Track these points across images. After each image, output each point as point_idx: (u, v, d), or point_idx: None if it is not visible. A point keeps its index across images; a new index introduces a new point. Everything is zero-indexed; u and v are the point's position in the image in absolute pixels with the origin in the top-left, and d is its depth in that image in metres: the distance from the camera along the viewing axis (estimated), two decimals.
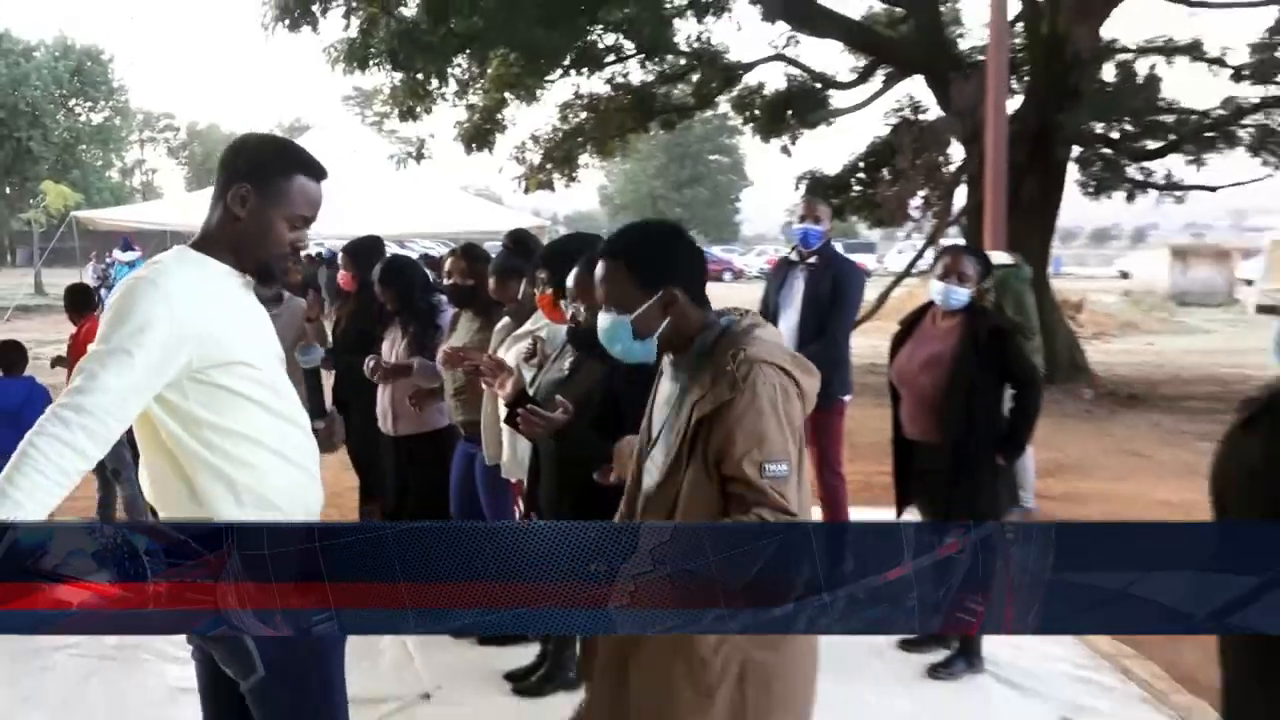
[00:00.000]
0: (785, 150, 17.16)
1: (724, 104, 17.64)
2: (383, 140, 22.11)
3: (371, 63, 13.22)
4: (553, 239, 3.68)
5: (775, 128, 17.01)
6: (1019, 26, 13.68)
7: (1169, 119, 14.83)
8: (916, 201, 14.91)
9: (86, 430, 1.93)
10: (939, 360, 4.09)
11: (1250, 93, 14.56)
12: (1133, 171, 15.43)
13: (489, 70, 14.27)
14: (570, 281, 2.93)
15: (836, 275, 5.07)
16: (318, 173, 2.21)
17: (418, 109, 14.44)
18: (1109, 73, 14.60)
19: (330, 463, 5.11)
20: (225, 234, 2.16)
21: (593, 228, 30.83)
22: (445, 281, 4.63)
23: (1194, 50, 15.23)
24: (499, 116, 15.19)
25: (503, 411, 3.45)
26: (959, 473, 3.97)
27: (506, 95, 14.77)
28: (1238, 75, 14.99)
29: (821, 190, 14.61)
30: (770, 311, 5.12)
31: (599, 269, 2.26)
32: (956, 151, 14.22)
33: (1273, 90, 14.68)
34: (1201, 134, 14.45)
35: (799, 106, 16.77)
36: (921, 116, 16.30)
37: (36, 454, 1.90)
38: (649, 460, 2.29)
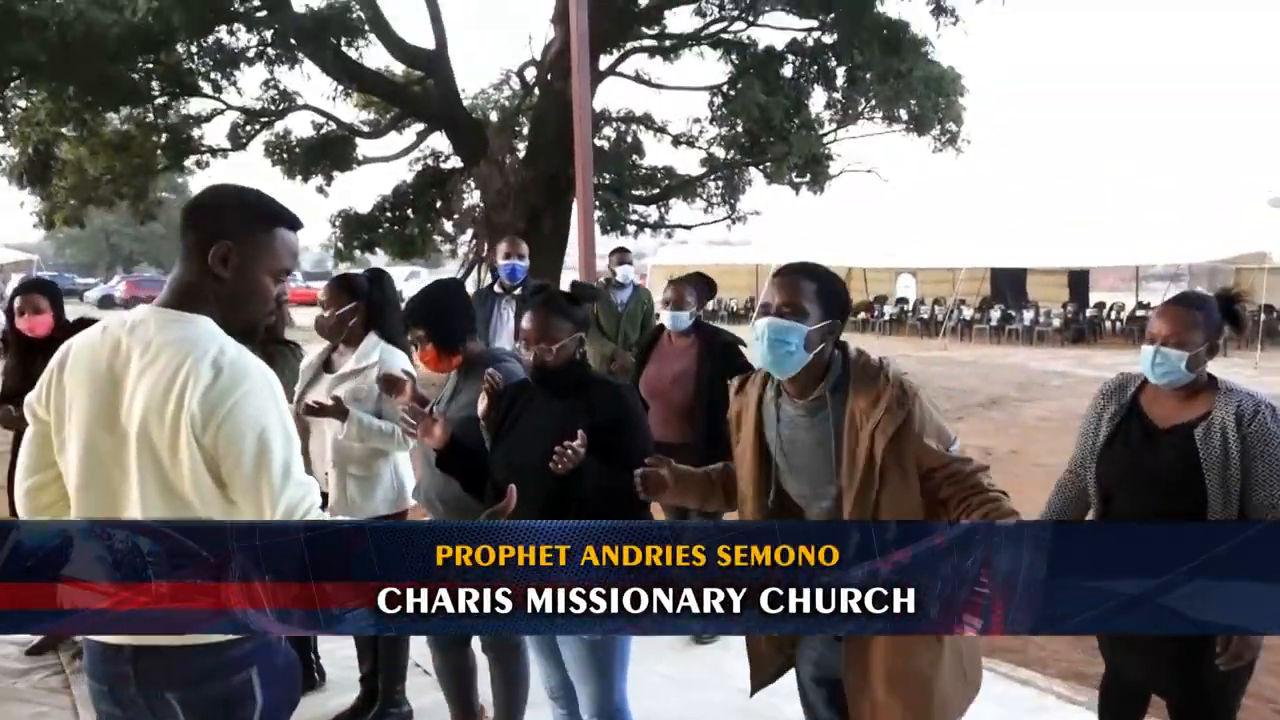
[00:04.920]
0: (321, 190, 16.94)
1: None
2: None
3: None
4: (414, 295, 3.42)
5: (309, 170, 16.75)
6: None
7: (649, 173, 16.97)
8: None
9: None
10: (687, 374, 4.53)
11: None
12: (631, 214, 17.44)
13: (44, 103, 12.35)
14: (528, 324, 2.78)
15: None
16: (294, 223, 1.93)
17: None
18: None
19: None
20: (208, 293, 1.84)
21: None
22: None
23: (646, 121, 17.56)
24: (56, 151, 13.23)
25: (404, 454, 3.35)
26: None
27: (64, 130, 12.92)
28: (676, 142, 17.48)
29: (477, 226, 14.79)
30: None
31: (787, 279, 2.27)
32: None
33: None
34: (673, 188, 16.72)
35: (332, 153, 16.69)
36: (443, 164, 17.20)
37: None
38: (807, 497, 2.35)
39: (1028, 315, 23.06)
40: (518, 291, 5.48)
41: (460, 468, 2.97)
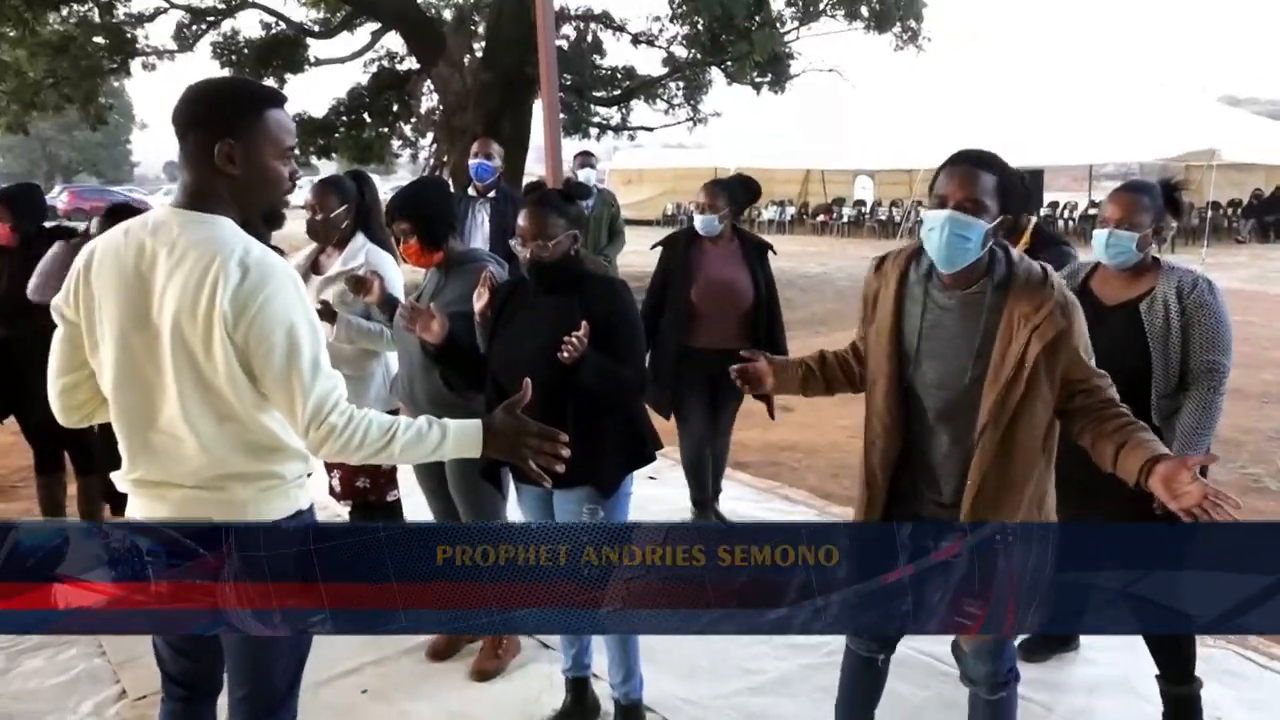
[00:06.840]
0: None
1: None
2: None
3: None
4: (399, 190, 3.39)
5: (260, 73, 16.23)
6: None
7: (610, 74, 16.65)
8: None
9: None
10: (742, 280, 4.43)
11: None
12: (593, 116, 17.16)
13: None
14: (525, 221, 2.76)
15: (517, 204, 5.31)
16: (281, 99, 1.93)
17: None
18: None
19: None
20: (223, 192, 1.84)
21: None
22: None
23: (606, 20, 17.15)
24: None
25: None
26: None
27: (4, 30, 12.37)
28: (636, 41, 17.13)
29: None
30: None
31: (967, 171, 2.14)
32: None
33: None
34: (634, 89, 16.44)
35: (283, 54, 16.19)
36: (399, 66, 16.76)
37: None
38: (933, 387, 2.27)
39: None
40: (491, 194, 5.51)
41: (451, 363, 2.99)
